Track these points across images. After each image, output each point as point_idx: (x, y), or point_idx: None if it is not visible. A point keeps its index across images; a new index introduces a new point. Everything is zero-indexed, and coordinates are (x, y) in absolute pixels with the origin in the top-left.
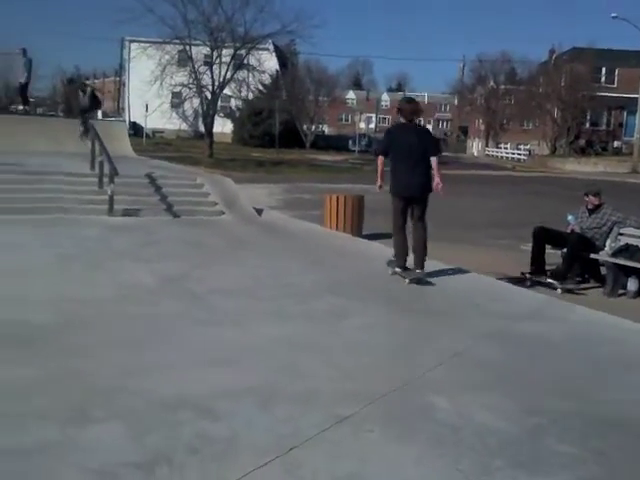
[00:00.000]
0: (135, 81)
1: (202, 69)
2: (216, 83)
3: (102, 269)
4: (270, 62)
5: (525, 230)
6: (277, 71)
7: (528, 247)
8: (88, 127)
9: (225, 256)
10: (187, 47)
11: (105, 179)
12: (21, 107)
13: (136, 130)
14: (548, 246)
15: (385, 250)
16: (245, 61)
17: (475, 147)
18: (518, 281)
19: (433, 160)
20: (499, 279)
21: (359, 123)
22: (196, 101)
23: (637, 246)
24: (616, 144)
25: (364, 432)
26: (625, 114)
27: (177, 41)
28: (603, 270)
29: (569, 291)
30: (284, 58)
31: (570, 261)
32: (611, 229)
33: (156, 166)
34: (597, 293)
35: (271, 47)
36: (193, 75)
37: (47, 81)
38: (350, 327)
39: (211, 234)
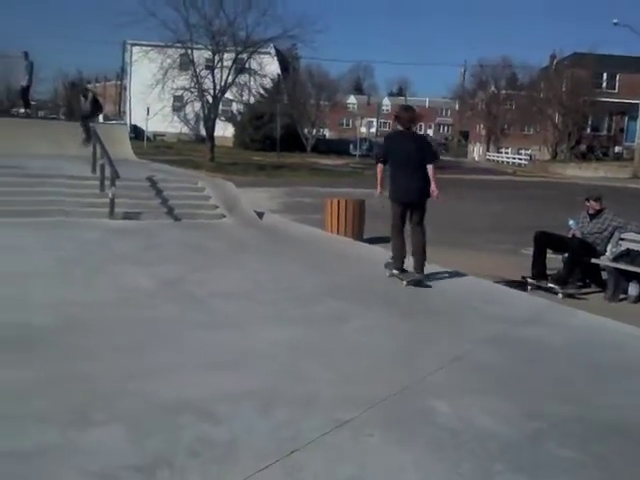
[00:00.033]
0: (137, 84)
1: (204, 73)
2: (217, 87)
3: (103, 272)
4: (272, 66)
5: (526, 235)
6: (278, 75)
7: (529, 251)
8: (90, 134)
9: (226, 259)
10: (189, 51)
11: (106, 182)
12: (22, 110)
13: (137, 133)
14: (549, 251)
15: (386, 254)
16: (247, 65)
17: (476, 152)
18: (519, 285)
19: (429, 167)
20: (496, 282)
21: (360, 127)
22: (197, 105)
23: (638, 251)
24: (617, 149)
25: (364, 436)
26: (626, 119)
27: (179, 45)
28: (604, 275)
29: (570, 296)
30: (286, 62)
31: (571, 266)
32: (612, 234)
33: (157, 169)
34: (598, 298)
35: (273, 51)
36: (195, 79)
37: (48, 84)
38: (350, 330)
39: (212, 237)
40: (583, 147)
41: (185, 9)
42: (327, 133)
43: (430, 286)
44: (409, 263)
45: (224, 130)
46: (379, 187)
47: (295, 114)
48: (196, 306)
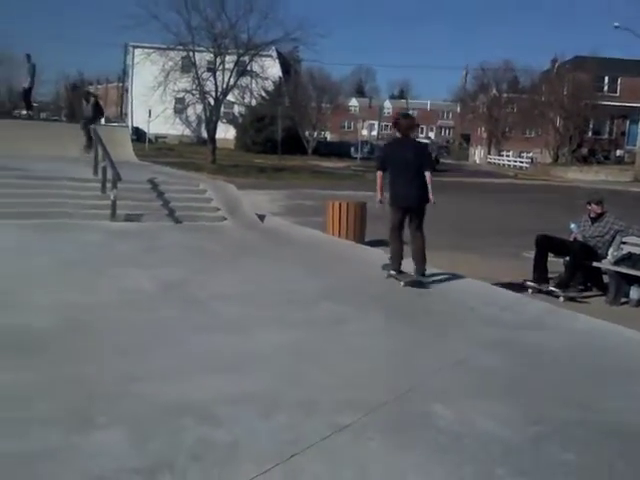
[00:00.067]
0: (138, 87)
1: (205, 75)
2: (219, 89)
3: (104, 274)
4: (273, 69)
5: (527, 238)
6: (280, 78)
7: (530, 255)
8: (92, 141)
9: (227, 262)
10: (191, 53)
11: (108, 184)
12: (24, 112)
13: (139, 135)
14: (550, 254)
15: (387, 257)
16: (248, 68)
17: (477, 155)
18: (519, 288)
19: (427, 175)
20: (497, 285)
21: (361, 130)
22: (199, 107)
23: (639, 255)
24: (618, 153)
25: (365, 440)
26: (628, 123)
27: (181, 47)
28: (605, 279)
29: (571, 299)
30: (287, 65)
31: (573, 269)
32: (614, 238)
33: (159, 172)
34: (599, 301)
35: (274, 54)
36: (196, 81)
37: (50, 86)
38: (351, 333)
39: (213, 240)
40: (584, 150)
41: (187, 12)
42: (328, 136)
43: (428, 286)
44: (406, 265)
45: (225, 132)
46: (379, 194)
47: (296, 117)
48: (197, 309)
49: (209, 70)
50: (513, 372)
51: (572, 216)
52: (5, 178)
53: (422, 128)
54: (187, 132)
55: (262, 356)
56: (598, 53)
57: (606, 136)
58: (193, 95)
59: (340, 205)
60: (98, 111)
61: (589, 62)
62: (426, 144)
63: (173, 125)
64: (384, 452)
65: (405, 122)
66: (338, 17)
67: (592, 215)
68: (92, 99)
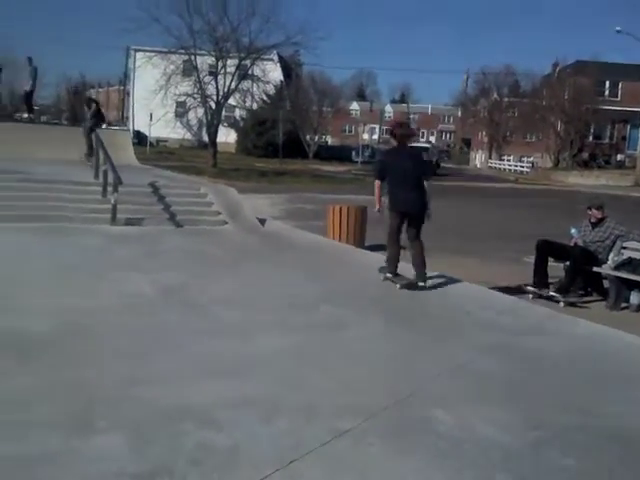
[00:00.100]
0: (140, 90)
1: (207, 79)
2: (220, 93)
3: (104, 278)
4: (274, 73)
5: (528, 242)
6: (281, 82)
7: (531, 260)
8: (93, 150)
9: (228, 266)
10: (192, 57)
11: (109, 188)
12: (26, 115)
13: (140, 139)
14: (551, 259)
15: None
16: (250, 71)
17: (478, 159)
18: (519, 293)
19: (426, 185)
20: (497, 289)
21: (362, 134)
22: (200, 111)
23: None
24: (619, 157)
25: (365, 445)
26: (628, 128)
27: (182, 51)
28: (606, 284)
29: (572, 304)
30: (288, 69)
31: (573, 274)
32: (614, 242)
33: (159, 175)
34: (600, 306)
35: (276, 58)
36: (198, 85)
37: (52, 89)
38: (351, 338)
39: (214, 244)
40: (585, 155)
41: (189, 15)
42: (329, 140)
43: (424, 289)
44: (406, 270)
45: (227, 136)
46: (377, 204)
47: (297, 120)
48: (198, 313)
49: (210, 74)
50: (513, 377)
51: (573, 221)
52: (5, 181)
53: (423, 132)
54: (188, 136)
55: (262, 360)
56: (599, 58)
57: (607, 141)
58: (194, 99)
59: (341, 209)
60: (99, 118)
61: (590, 67)
62: (422, 151)
63: (174, 129)
64: (384, 457)
65: (401, 131)
66: (339, 20)
67: (593, 220)
68: (94, 105)
